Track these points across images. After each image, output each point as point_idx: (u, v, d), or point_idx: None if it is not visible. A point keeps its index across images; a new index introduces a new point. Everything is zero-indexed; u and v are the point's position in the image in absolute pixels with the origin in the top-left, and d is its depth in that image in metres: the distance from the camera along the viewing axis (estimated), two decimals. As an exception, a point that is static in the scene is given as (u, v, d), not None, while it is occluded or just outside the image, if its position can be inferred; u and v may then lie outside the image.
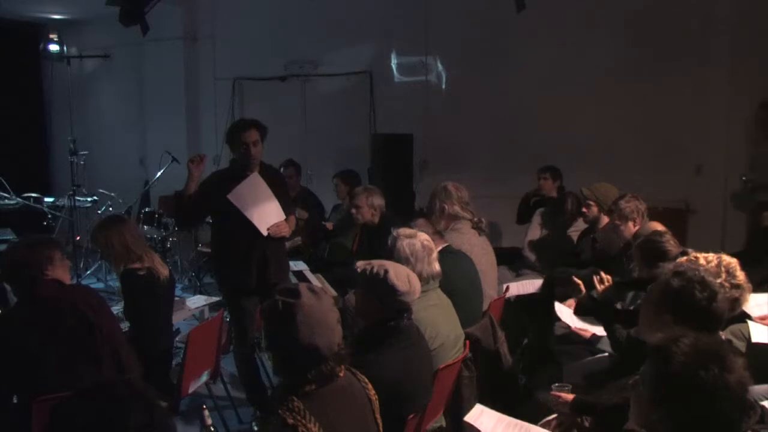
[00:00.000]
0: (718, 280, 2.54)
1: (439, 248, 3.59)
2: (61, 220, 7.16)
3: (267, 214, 3.80)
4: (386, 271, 2.49)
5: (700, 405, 1.51)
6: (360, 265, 2.59)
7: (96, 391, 1.38)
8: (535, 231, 5.22)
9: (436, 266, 3.01)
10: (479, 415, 2.65)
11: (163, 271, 3.51)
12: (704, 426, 1.52)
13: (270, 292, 2.05)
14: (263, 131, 3.83)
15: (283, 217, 3.86)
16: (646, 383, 1.59)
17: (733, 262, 2.69)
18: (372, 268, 2.53)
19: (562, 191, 5.61)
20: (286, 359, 1.96)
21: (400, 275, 2.51)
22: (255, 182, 3.80)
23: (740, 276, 2.65)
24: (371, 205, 4.69)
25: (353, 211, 4.75)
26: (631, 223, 3.99)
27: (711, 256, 2.74)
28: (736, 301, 2.68)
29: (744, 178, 5.66)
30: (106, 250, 3.54)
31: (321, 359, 1.90)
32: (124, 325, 3.43)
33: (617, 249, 4.06)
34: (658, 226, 3.75)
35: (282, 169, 5.80)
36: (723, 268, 2.64)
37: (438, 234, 3.66)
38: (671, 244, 3.19)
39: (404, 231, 3.11)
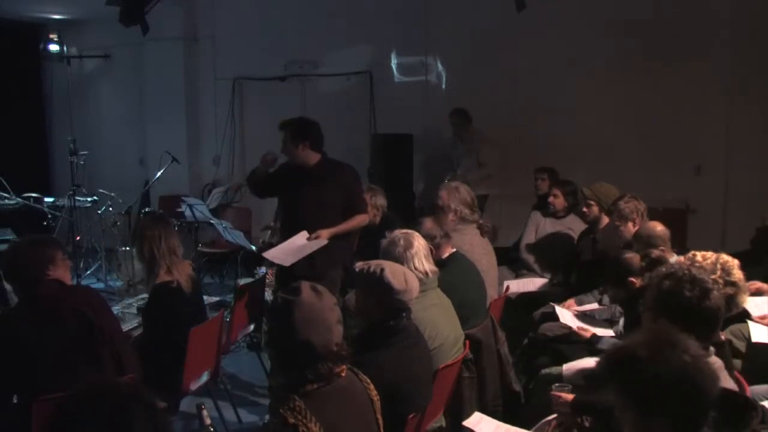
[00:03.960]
0: (713, 276, 2.54)
1: (447, 254, 3.60)
2: (61, 220, 7.15)
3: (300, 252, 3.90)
4: (383, 270, 2.50)
5: (685, 392, 1.51)
6: (358, 265, 2.61)
7: (99, 394, 1.37)
8: (530, 234, 5.21)
9: (426, 265, 3.00)
10: (478, 421, 2.66)
11: (188, 278, 3.46)
12: (698, 408, 1.53)
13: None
14: (290, 132, 3.98)
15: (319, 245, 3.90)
16: (624, 406, 1.58)
17: (731, 260, 2.69)
18: (369, 267, 2.54)
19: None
20: (283, 356, 1.97)
21: (396, 274, 2.52)
22: (282, 249, 3.94)
23: (737, 274, 2.64)
24: (374, 205, 4.69)
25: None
26: (630, 224, 3.99)
27: (709, 253, 2.74)
28: (732, 299, 2.67)
29: (448, 179, 5.84)
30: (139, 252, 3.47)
31: (317, 358, 1.90)
32: (125, 326, 3.43)
33: (617, 249, 4.06)
34: (658, 226, 3.75)
35: None
36: (719, 266, 2.63)
37: (446, 237, 3.65)
38: (633, 258, 3.22)
39: (396, 231, 3.11)
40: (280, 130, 4.01)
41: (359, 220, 4.09)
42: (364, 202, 4.25)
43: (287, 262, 3.87)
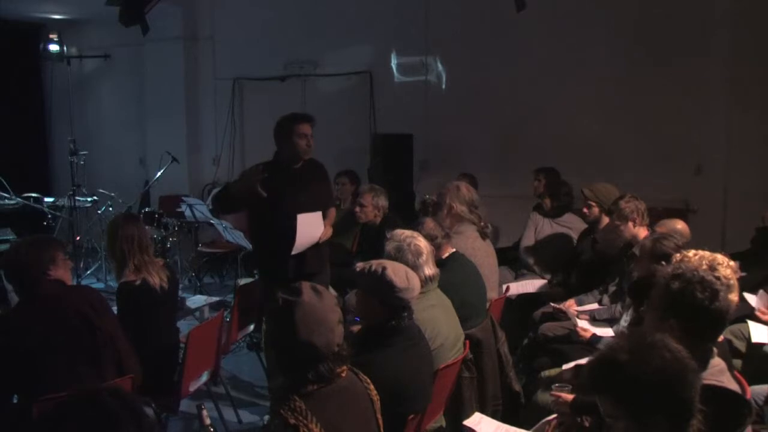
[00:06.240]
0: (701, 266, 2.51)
1: (447, 254, 3.60)
2: (61, 220, 7.15)
3: (314, 235, 3.87)
4: (384, 269, 2.50)
5: (671, 388, 1.54)
6: (359, 265, 2.61)
7: (83, 403, 1.36)
8: (529, 234, 5.21)
9: (428, 270, 2.99)
10: (479, 421, 2.67)
11: (161, 278, 3.43)
12: (686, 400, 1.56)
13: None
14: (313, 125, 3.90)
15: (322, 224, 3.89)
16: (615, 414, 1.60)
17: (723, 259, 2.66)
18: (370, 266, 2.54)
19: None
20: (285, 358, 1.97)
21: (398, 272, 2.51)
22: (305, 222, 3.78)
23: (722, 271, 2.60)
24: (376, 205, 4.69)
25: (357, 209, 4.74)
26: (630, 224, 3.98)
27: (700, 251, 2.71)
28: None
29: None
30: (109, 251, 3.52)
31: (319, 358, 1.90)
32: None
33: (617, 249, 4.06)
34: (678, 224, 3.73)
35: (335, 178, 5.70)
36: (705, 263, 2.61)
37: (447, 237, 3.64)
38: (675, 248, 3.17)
39: (397, 233, 3.11)
40: (308, 122, 3.86)
41: (333, 214, 4.17)
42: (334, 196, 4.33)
43: (314, 237, 3.83)
